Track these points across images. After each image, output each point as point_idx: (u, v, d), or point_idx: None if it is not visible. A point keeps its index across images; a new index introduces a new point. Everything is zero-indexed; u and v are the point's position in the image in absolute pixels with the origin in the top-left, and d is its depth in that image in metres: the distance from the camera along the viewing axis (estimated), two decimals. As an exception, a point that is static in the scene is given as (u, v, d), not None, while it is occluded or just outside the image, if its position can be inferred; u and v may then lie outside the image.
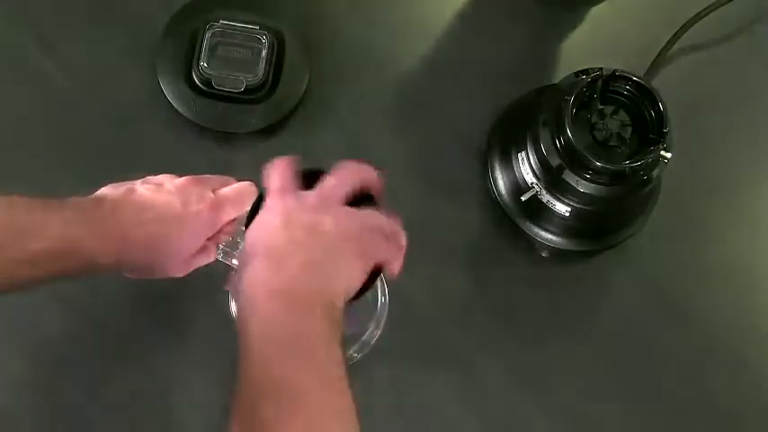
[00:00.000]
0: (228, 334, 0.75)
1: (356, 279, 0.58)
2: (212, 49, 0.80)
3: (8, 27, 0.83)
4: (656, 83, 0.80)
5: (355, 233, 0.59)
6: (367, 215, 0.60)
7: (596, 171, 0.72)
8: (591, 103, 0.73)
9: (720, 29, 0.89)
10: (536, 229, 0.79)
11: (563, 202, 0.75)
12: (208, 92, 0.80)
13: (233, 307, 0.76)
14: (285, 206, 0.59)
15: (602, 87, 0.73)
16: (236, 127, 0.81)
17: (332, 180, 0.60)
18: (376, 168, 0.62)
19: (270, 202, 0.60)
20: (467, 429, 0.77)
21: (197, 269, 0.68)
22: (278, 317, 0.54)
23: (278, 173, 0.60)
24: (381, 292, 0.77)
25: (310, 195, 0.60)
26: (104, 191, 0.64)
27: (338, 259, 0.57)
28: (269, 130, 0.82)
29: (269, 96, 0.81)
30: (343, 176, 0.61)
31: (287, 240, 0.57)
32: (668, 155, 0.71)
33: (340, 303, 0.56)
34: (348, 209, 0.60)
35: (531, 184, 0.76)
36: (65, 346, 0.76)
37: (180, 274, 0.67)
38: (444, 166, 0.84)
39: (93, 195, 0.64)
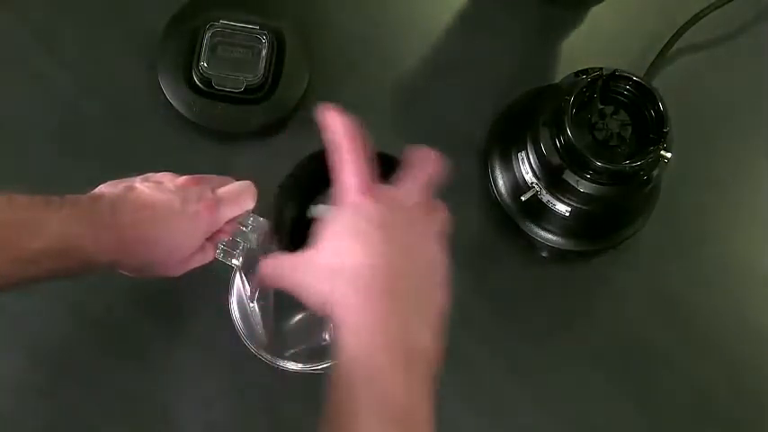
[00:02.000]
0: (228, 333, 0.76)
1: (443, 319, 0.52)
2: (212, 49, 0.80)
3: (8, 27, 0.83)
4: (656, 83, 0.80)
5: (445, 260, 0.53)
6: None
7: (596, 171, 0.72)
8: (591, 103, 0.73)
9: (720, 29, 0.89)
10: (536, 229, 0.79)
11: (563, 202, 0.75)
12: (208, 92, 0.80)
13: (233, 307, 0.76)
14: (382, 217, 0.51)
15: (602, 87, 0.73)
16: (236, 127, 0.81)
17: (417, 182, 0.54)
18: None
19: (356, 204, 0.52)
20: (466, 429, 0.77)
21: (196, 268, 0.68)
22: (393, 383, 0.48)
23: (356, 158, 0.52)
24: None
25: (406, 203, 0.53)
26: (103, 188, 0.64)
27: (438, 296, 0.52)
28: (269, 130, 0.82)
29: (269, 96, 0.81)
30: (425, 177, 0.55)
31: (397, 273, 0.50)
32: (668, 155, 0.71)
33: (440, 357, 0.51)
34: (439, 224, 0.55)
35: (531, 184, 0.76)
36: (65, 346, 0.76)
37: (177, 274, 0.67)
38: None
39: (91, 193, 0.64)
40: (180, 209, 0.64)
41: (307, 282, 0.53)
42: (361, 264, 0.50)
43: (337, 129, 0.54)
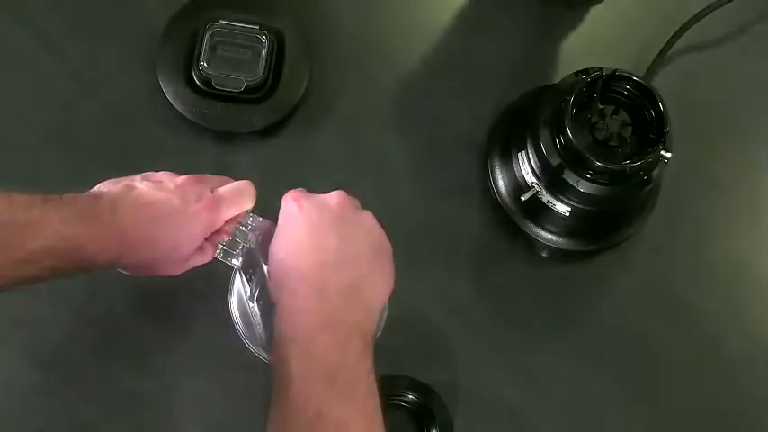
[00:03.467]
0: (227, 333, 0.76)
1: (385, 297, 0.61)
2: (212, 49, 0.80)
3: (8, 27, 0.83)
4: (656, 83, 0.81)
5: (384, 244, 0.62)
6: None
7: (596, 171, 0.72)
8: (591, 103, 0.73)
9: (720, 29, 0.89)
10: (536, 229, 0.79)
11: (563, 202, 0.75)
12: (208, 92, 0.80)
13: (233, 307, 0.76)
14: (308, 216, 0.60)
15: (602, 87, 0.73)
16: (236, 127, 0.81)
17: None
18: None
19: (288, 208, 0.61)
20: (466, 429, 0.77)
21: (196, 268, 0.68)
22: (321, 350, 0.55)
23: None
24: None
25: (331, 200, 0.62)
26: (102, 187, 0.64)
27: (373, 280, 0.60)
28: (269, 130, 0.82)
29: (269, 96, 0.81)
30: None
31: (320, 261, 0.58)
32: (668, 155, 0.71)
33: (374, 328, 0.59)
34: (368, 215, 0.62)
35: (531, 183, 0.76)
36: (65, 346, 0.76)
37: (176, 273, 0.67)
38: (444, 166, 0.84)
39: (90, 191, 0.63)
40: (180, 208, 0.64)
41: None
42: (294, 265, 0.59)
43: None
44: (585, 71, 0.73)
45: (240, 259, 0.69)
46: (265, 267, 0.67)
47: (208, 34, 0.80)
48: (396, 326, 0.76)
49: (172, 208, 0.63)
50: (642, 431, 0.79)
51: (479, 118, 0.84)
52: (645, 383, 0.80)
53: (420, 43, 0.87)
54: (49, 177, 0.79)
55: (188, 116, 0.80)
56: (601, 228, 0.80)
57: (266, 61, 0.80)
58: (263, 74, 0.80)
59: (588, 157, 0.70)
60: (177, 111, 0.80)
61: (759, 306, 0.83)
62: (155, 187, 0.64)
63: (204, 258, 0.68)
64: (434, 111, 0.85)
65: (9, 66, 0.83)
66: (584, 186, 0.72)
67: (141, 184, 0.64)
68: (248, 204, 0.68)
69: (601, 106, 0.73)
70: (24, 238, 0.57)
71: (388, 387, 0.75)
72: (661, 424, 0.79)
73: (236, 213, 0.67)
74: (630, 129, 0.73)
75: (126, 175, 0.66)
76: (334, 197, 0.62)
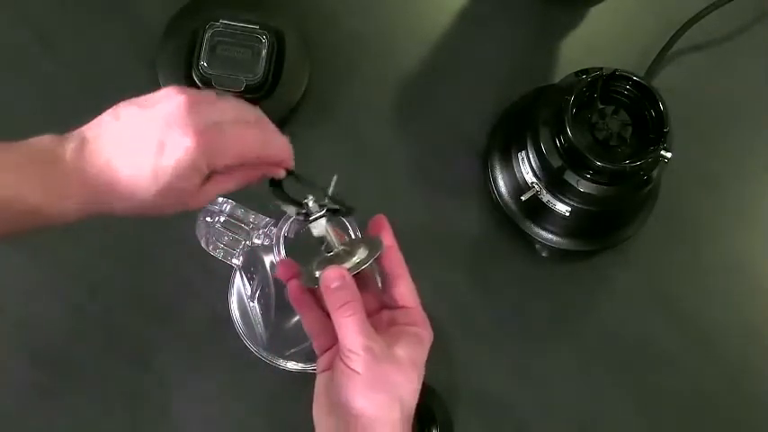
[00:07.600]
0: (228, 333, 0.76)
1: None
2: (212, 48, 0.80)
3: (8, 27, 0.83)
4: (656, 83, 0.80)
5: None
6: None
7: (597, 171, 0.72)
8: (591, 102, 0.73)
9: (720, 29, 0.89)
10: (536, 229, 0.79)
11: (563, 202, 0.75)
12: (208, 92, 0.80)
13: (233, 307, 0.76)
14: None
15: (602, 87, 0.73)
16: (236, 127, 0.81)
17: None
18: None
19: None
20: (466, 429, 0.77)
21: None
22: None
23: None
24: (381, 292, 0.77)
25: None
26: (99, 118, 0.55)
27: None
28: (269, 130, 0.82)
29: (269, 96, 0.81)
30: None
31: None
32: (668, 155, 0.71)
33: None
34: None
35: (532, 183, 0.76)
36: (65, 346, 0.76)
37: (191, 208, 0.56)
38: (444, 166, 0.84)
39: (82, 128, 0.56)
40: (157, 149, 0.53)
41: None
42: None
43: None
44: (585, 71, 0.73)
45: (240, 259, 0.69)
46: (267, 266, 0.67)
47: (208, 34, 0.80)
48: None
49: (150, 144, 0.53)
50: (641, 431, 0.79)
51: (479, 118, 0.84)
52: (645, 383, 0.80)
53: (420, 43, 0.87)
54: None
55: (188, 116, 0.80)
56: (601, 228, 0.80)
57: (266, 61, 0.80)
58: (263, 74, 0.80)
59: (588, 156, 0.70)
60: (177, 111, 0.80)
61: (759, 306, 0.83)
62: (141, 116, 0.55)
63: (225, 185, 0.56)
64: (434, 111, 0.85)
65: (9, 66, 0.83)
66: (584, 186, 0.72)
67: (128, 110, 0.55)
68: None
69: (601, 106, 0.73)
70: None
71: None
72: (660, 424, 0.79)
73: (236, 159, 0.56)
74: (630, 129, 0.73)
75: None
76: None
